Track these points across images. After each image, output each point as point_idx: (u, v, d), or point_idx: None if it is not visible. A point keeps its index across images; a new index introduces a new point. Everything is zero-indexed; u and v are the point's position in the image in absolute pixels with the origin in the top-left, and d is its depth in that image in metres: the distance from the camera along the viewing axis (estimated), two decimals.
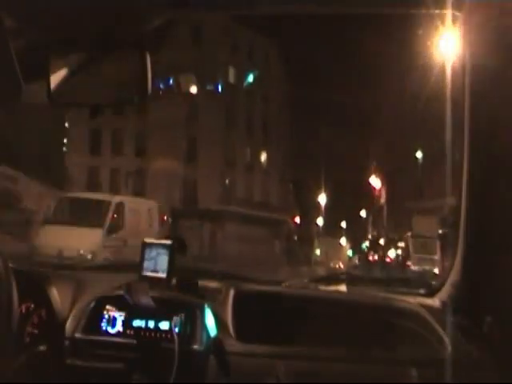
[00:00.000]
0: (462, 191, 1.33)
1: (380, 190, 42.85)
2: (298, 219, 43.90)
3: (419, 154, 29.72)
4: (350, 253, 60.11)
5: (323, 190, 46.35)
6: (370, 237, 40.74)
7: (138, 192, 30.01)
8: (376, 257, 31.45)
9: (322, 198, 48.49)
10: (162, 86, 27.85)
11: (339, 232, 60.83)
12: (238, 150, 34.13)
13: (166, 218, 28.49)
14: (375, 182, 43.30)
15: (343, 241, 63.48)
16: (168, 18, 1.33)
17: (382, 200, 42.47)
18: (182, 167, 29.81)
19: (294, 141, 41.88)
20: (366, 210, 51.73)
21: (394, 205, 34.92)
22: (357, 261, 44.35)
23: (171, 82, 29.62)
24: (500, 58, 1.22)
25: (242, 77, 32.96)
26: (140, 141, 30.75)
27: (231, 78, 33.34)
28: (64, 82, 1.27)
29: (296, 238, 41.61)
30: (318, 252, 53.47)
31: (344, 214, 53.25)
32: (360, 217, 54.75)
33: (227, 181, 33.50)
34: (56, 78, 1.25)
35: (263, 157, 37.36)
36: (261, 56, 33.53)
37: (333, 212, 48.92)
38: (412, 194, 30.13)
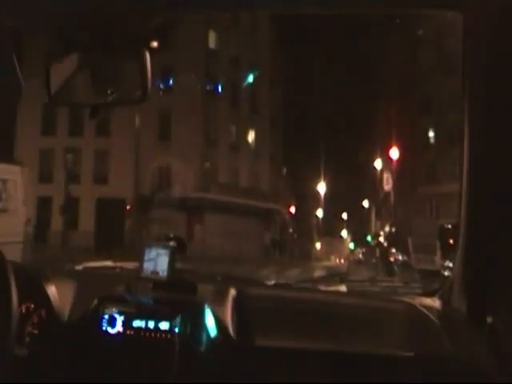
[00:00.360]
0: (462, 189, 1.54)
1: (386, 175, 43.86)
2: (293, 209, 44.32)
3: (431, 133, 30.10)
4: (351, 246, 62.16)
5: (322, 177, 46.80)
6: (387, 229, 41.29)
7: (99, 177, 29.74)
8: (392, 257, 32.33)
9: (322, 187, 49.08)
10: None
11: (340, 224, 62.44)
12: (220, 126, 33.83)
13: (129, 207, 28.44)
14: (380, 165, 44.27)
15: (344, 233, 65.38)
16: (168, 17, 1.57)
17: (388, 186, 43.31)
18: (152, 147, 29.43)
19: (289, 116, 42.16)
20: (370, 198, 52.82)
21: (404, 191, 35.57)
22: (360, 255, 45.36)
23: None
24: (501, 57, 1.40)
25: (225, 40, 32.71)
26: (101, 117, 30.49)
27: (212, 43, 33.10)
28: (64, 82, 1.51)
29: (291, 230, 42.16)
30: (317, 246, 54.91)
31: (345, 204, 54.54)
32: (363, 207, 55.84)
33: (208, 163, 33.29)
34: (56, 77, 1.50)
35: (251, 135, 37.10)
36: (248, 18, 33.38)
37: (333, 202, 49.91)
38: (424, 178, 30.47)
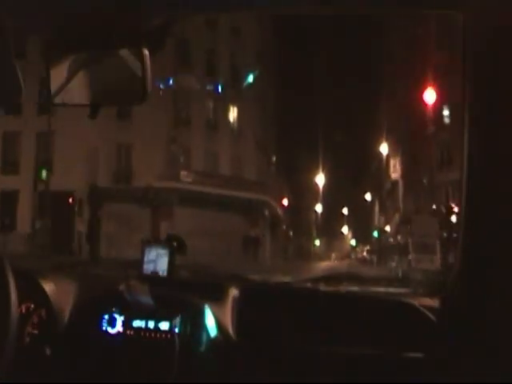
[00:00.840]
0: (462, 189, 1.87)
1: (393, 160, 44.48)
2: (286, 201, 44.77)
3: (446, 111, 30.54)
4: (353, 242, 63.75)
5: (320, 167, 48.02)
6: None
7: (44, 164, 29.27)
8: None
9: (320, 179, 50.46)
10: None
11: (340, 219, 63.84)
12: (194, 101, 33.61)
13: (71, 200, 27.65)
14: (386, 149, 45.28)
15: (345, 229, 67.33)
16: (168, 17, 1.93)
17: (396, 174, 43.90)
18: (109, 127, 28.96)
19: (280, 92, 42.04)
20: (374, 189, 54.69)
21: (414, 179, 36.28)
22: (365, 253, 47.14)
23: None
24: (501, 57, 1.69)
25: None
26: (44, 92, 29.67)
27: None
28: (64, 82, 1.87)
29: (285, 226, 42.38)
30: (317, 243, 56.28)
31: (346, 197, 56.38)
32: (365, 200, 57.93)
33: (177, 146, 32.89)
34: (56, 77, 1.84)
35: (233, 112, 36.99)
36: None
37: (332, 195, 50.96)
38: (437, 164, 30.92)
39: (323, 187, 51.65)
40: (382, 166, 48.77)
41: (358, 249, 56.77)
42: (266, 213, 38.20)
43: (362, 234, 60.68)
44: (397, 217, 41.42)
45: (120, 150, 31.78)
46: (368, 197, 57.36)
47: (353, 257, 56.09)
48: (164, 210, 30.01)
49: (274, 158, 44.43)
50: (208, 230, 27.49)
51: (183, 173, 32.74)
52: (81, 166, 28.68)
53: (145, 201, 28.83)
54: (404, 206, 39.76)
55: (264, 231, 36.89)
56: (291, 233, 46.37)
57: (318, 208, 55.48)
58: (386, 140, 45.34)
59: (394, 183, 44.47)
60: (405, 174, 41.02)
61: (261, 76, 38.55)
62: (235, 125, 37.36)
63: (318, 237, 57.70)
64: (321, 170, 48.74)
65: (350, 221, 64.03)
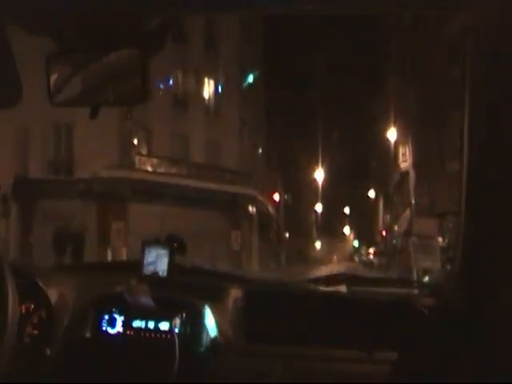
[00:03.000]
0: (462, 188, 2.23)
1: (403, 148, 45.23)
2: (277, 196, 45.29)
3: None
4: (355, 244, 66.62)
5: (320, 160, 49.25)
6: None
7: None
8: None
9: (320, 174, 52.00)
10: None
11: (342, 219, 65.75)
12: (155, 69, 32.17)
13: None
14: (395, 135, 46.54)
15: (347, 230, 69.41)
16: (168, 17, 2.41)
17: (406, 164, 44.88)
18: (43, 102, 27.83)
19: (271, 66, 41.68)
20: (379, 185, 56.18)
21: (427, 169, 37.68)
22: (372, 256, 48.35)
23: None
24: (502, 57, 1.99)
25: None
26: None
27: None
28: (64, 82, 2.28)
29: (276, 225, 42.65)
30: (317, 245, 57.31)
31: (347, 195, 58.50)
32: (368, 197, 60.44)
33: (133, 124, 32.22)
34: (56, 78, 2.27)
35: (209, 85, 36.71)
36: None
37: (332, 193, 52.04)
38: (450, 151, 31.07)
39: (323, 181, 53.47)
40: (390, 154, 50.69)
41: (362, 251, 58.98)
42: (252, 210, 38.75)
43: (366, 234, 62.48)
44: (408, 213, 42.21)
45: (58, 132, 31.16)
46: (373, 192, 60.27)
47: (356, 259, 58.99)
48: (114, 207, 29.44)
49: (263, 145, 44.33)
50: (173, 232, 25.18)
51: (141, 159, 32.36)
52: (6, 153, 27.47)
53: (89, 195, 28.40)
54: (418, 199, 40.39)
55: (249, 235, 37.17)
56: (286, 234, 47.20)
57: (318, 206, 57.59)
58: (394, 125, 47.24)
59: (404, 174, 45.54)
60: (416, 163, 42.18)
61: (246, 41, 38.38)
62: (212, 101, 37.05)
63: (319, 238, 58.86)
64: (320, 160, 50.79)
65: (353, 219, 67.03)
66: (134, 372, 2.61)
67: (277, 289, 3.10)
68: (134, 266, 2.78)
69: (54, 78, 2.27)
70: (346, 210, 68.03)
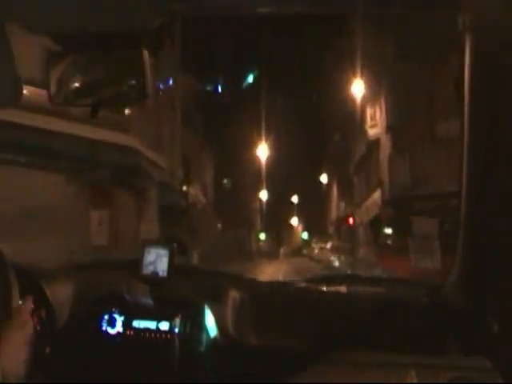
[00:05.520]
0: (462, 188, 2.33)
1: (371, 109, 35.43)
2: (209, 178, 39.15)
3: None
4: (304, 236, 64.67)
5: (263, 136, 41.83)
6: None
7: None
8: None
9: (263, 151, 44.60)
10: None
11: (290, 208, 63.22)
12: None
13: None
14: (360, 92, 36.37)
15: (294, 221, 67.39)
16: (168, 17, 2.43)
17: (376, 130, 36.05)
18: None
19: None
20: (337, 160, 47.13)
21: (407, 135, 30.07)
22: (324, 250, 43.42)
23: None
24: (502, 57, 2.08)
25: None
26: None
27: None
28: (64, 82, 2.31)
29: (198, 209, 35.50)
30: (262, 237, 55.43)
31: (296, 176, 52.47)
32: (320, 183, 54.91)
33: None
34: (56, 77, 2.30)
35: None
36: None
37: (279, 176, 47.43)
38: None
39: (267, 160, 46.43)
40: (355, 116, 38.09)
41: (313, 244, 52.72)
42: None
43: (317, 225, 58.72)
44: (377, 197, 35.71)
45: None
46: (329, 172, 52.88)
47: (306, 253, 53.66)
48: None
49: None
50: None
51: None
52: None
53: None
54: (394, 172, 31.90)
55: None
56: (219, 225, 41.92)
57: (263, 193, 53.21)
58: (361, 76, 34.87)
59: (374, 143, 36.27)
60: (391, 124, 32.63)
61: None
62: None
63: (263, 230, 55.95)
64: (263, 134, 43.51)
65: (303, 207, 62.52)
66: (134, 372, 2.64)
67: (277, 288, 3.12)
68: (134, 265, 2.80)
69: (54, 77, 2.29)
70: (295, 197, 64.02)
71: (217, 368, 2.62)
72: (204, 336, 2.64)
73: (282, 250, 52.07)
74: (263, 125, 44.24)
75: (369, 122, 37.28)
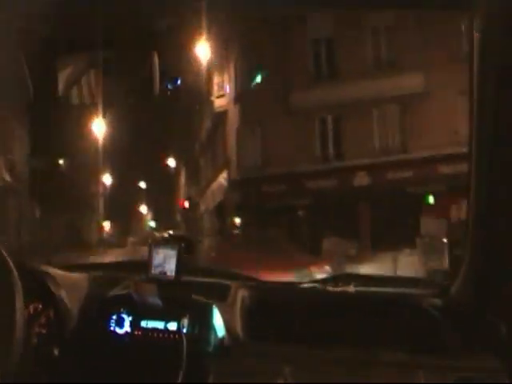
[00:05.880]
0: (470, 190, 2.38)
1: None
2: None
3: None
4: (152, 224, 62.71)
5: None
6: None
7: None
8: None
9: (100, 127, 36.74)
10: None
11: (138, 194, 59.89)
12: None
13: None
14: None
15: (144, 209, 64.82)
16: (173, 19, 2.46)
17: (224, 100, 30.12)
18: None
19: None
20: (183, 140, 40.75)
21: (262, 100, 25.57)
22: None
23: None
24: (510, 57, 2.12)
25: None
26: None
27: None
28: (71, 82, 2.42)
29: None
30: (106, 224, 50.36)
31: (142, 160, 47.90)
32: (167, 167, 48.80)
33: None
34: (64, 77, 2.34)
35: None
36: None
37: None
38: None
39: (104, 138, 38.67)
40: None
41: (158, 232, 47.64)
42: None
43: (164, 211, 56.20)
44: (222, 180, 32.08)
45: None
46: (176, 155, 46.40)
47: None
48: None
49: None
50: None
51: None
52: None
53: None
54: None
55: None
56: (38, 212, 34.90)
57: (106, 177, 47.93)
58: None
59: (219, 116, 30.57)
60: None
61: None
62: None
63: (107, 217, 51.39)
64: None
65: (151, 192, 58.32)
66: (142, 372, 2.64)
67: (285, 289, 3.16)
68: (143, 266, 2.81)
69: (62, 77, 2.31)
70: (142, 182, 59.73)
71: (225, 368, 2.60)
72: (212, 336, 2.63)
73: (130, 239, 48.52)
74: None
75: (216, 91, 32.21)
